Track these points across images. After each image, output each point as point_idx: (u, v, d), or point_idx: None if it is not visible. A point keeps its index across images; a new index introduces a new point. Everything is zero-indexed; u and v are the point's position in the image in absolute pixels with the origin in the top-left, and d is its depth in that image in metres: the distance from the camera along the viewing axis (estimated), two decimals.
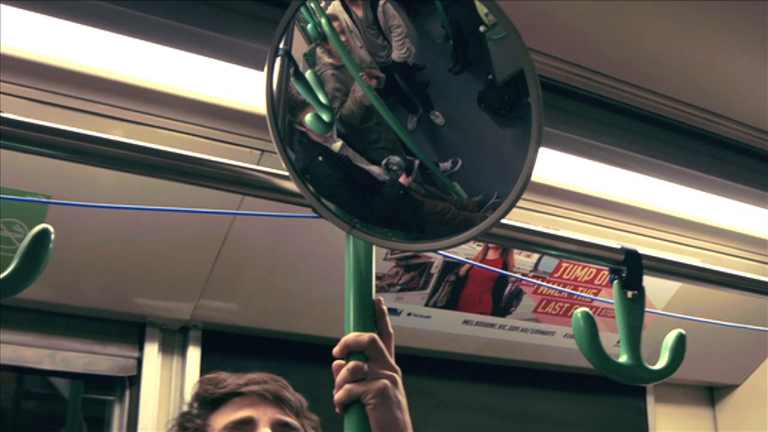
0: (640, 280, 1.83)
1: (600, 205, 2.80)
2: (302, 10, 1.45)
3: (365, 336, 1.36)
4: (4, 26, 1.80)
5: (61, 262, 2.29)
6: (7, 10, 1.75)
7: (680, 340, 1.83)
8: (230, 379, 1.85)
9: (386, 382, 1.34)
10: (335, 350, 1.35)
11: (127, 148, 1.39)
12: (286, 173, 1.39)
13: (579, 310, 1.76)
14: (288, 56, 1.44)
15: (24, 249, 1.32)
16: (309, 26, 1.46)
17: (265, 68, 1.40)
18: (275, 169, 1.48)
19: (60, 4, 1.76)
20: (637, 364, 1.77)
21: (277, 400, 1.84)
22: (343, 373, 1.33)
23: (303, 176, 1.40)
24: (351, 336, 1.36)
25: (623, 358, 1.77)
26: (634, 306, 1.81)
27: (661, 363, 1.82)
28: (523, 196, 2.64)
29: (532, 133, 1.30)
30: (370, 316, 1.45)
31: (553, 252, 1.85)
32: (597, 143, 2.44)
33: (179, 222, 2.32)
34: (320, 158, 1.44)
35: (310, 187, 1.40)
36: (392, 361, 1.40)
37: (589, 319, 1.75)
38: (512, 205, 1.31)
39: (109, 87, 2.01)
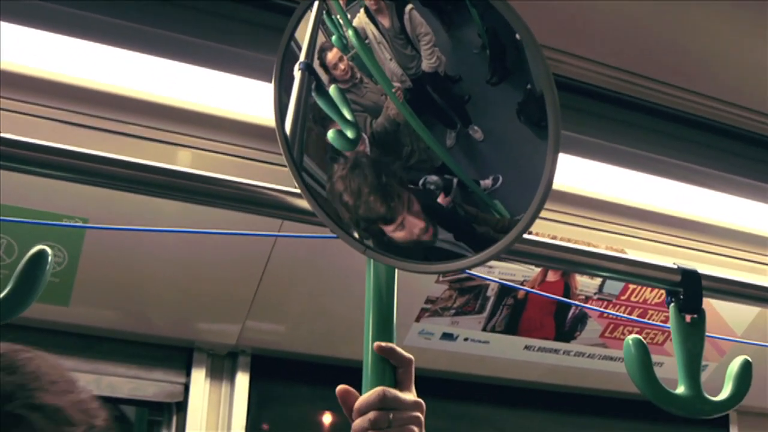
0: (700, 303, 1.70)
1: (670, 223, 2.64)
2: (326, 20, 1.38)
3: (374, 395, 1.23)
4: (59, 53, 1.80)
5: (104, 286, 2.28)
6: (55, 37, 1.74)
7: (745, 368, 1.70)
8: None
9: (414, 428, 1.23)
10: (354, 417, 1.24)
11: (126, 166, 1.32)
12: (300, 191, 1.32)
13: (630, 337, 1.65)
14: (309, 70, 1.37)
15: (20, 271, 1.27)
16: (334, 38, 1.39)
17: (273, 81, 1.34)
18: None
19: (111, 31, 1.72)
20: (696, 395, 1.64)
21: None
22: (361, 423, 1.22)
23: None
24: (362, 401, 1.24)
25: (681, 389, 1.65)
26: (693, 331, 1.69)
27: (725, 393, 1.69)
28: (587, 215, 2.57)
29: (550, 138, 1.19)
30: (390, 341, 1.34)
31: (601, 273, 1.74)
32: (661, 157, 2.30)
33: (222, 243, 2.27)
34: None
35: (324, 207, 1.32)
36: (412, 396, 1.29)
37: (640, 346, 1.64)
38: (533, 219, 1.20)
39: (150, 110, 1.98)
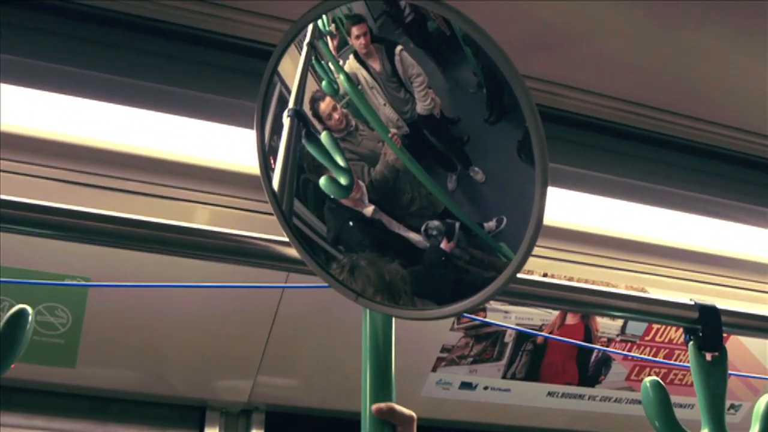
0: (720, 340, 1.62)
1: (691, 258, 2.56)
2: (315, 65, 1.35)
3: None
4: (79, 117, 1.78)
5: (110, 346, 2.24)
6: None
7: None
8: None
9: None
10: None
11: (109, 221, 1.29)
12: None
13: (647, 379, 1.57)
14: (298, 116, 1.34)
15: None
16: (324, 83, 1.36)
17: (255, 127, 1.30)
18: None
19: (126, 92, 1.70)
20: None
21: None
22: None
23: (336, 248, 1.30)
24: None
25: None
26: (715, 370, 1.61)
27: None
28: (604, 254, 2.50)
29: (537, 173, 1.13)
30: (388, 393, 1.29)
31: (615, 313, 1.67)
32: (679, 191, 2.24)
33: (228, 299, 2.24)
34: (351, 223, 1.33)
35: (316, 255, 1.28)
36: None
37: (659, 388, 1.56)
38: (526, 256, 1.14)
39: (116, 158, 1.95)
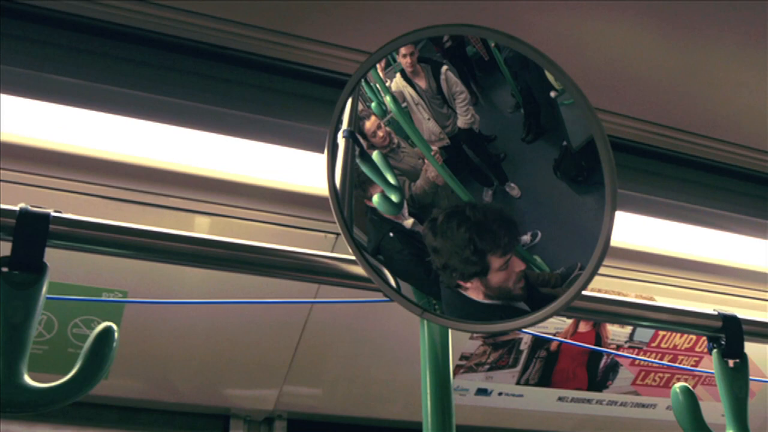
0: (742, 348, 1.72)
1: (697, 268, 2.65)
2: (365, 89, 1.42)
3: None
4: (90, 129, 1.80)
5: (142, 357, 2.29)
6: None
7: None
8: None
9: None
10: None
11: (187, 241, 1.35)
12: (354, 258, 1.35)
13: (677, 385, 1.66)
14: (352, 137, 1.40)
15: (87, 349, 1.27)
16: (373, 105, 1.42)
17: (325, 151, 1.37)
18: (345, 254, 1.41)
19: (138, 104, 1.74)
20: None
21: None
22: None
23: (375, 257, 1.36)
24: None
25: None
26: (738, 376, 1.70)
27: None
28: (615, 264, 2.59)
29: (607, 197, 1.22)
30: (448, 403, 1.37)
31: (645, 323, 1.75)
32: (686, 204, 2.32)
33: (259, 311, 2.29)
34: (391, 234, 1.40)
35: (383, 271, 1.34)
36: None
37: (688, 394, 1.64)
38: (592, 275, 1.22)
39: (186, 181, 1.99)
